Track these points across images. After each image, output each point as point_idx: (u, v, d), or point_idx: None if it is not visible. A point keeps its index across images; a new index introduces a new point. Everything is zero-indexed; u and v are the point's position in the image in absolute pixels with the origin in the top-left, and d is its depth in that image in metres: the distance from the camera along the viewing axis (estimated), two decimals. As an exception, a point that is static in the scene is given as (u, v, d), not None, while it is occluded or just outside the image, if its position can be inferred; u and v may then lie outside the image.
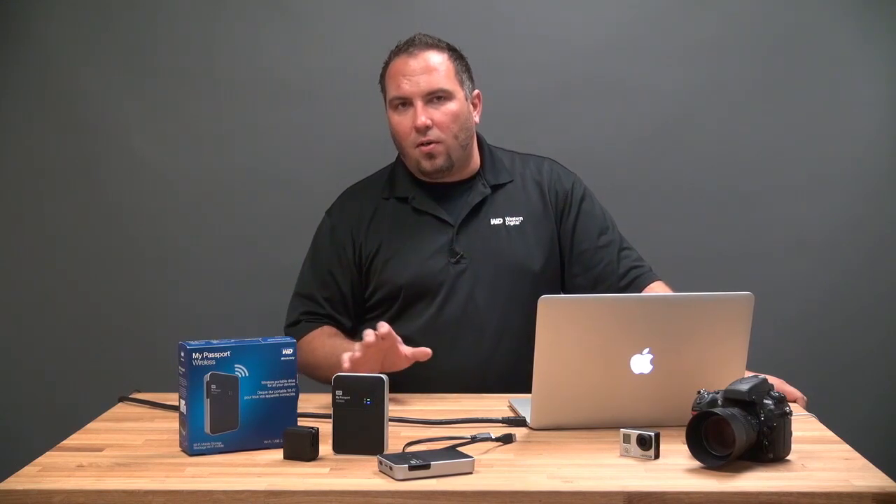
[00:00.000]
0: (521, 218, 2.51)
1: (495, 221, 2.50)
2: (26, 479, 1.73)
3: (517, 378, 2.36)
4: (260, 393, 1.89)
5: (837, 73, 3.07)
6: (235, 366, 1.87)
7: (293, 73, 3.06)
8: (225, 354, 1.86)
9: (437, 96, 2.44)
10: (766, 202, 3.09)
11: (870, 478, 1.73)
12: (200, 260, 3.09)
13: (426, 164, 2.46)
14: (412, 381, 2.30)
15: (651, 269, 2.55)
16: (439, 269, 2.46)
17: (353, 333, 2.53)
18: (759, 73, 3.07)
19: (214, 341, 1.88)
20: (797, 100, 3.07)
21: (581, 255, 2.53)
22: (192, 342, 1.87)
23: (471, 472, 1.74)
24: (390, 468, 1.71)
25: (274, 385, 1.90)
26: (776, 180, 3.08)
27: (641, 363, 1.99)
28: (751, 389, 1.80)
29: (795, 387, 2.22)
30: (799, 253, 3.09)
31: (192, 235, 3.09)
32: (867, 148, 3.07)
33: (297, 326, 2.52)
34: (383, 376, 1.87)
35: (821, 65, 3.07)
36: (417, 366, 2.24)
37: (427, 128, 2.43)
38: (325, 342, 2.46)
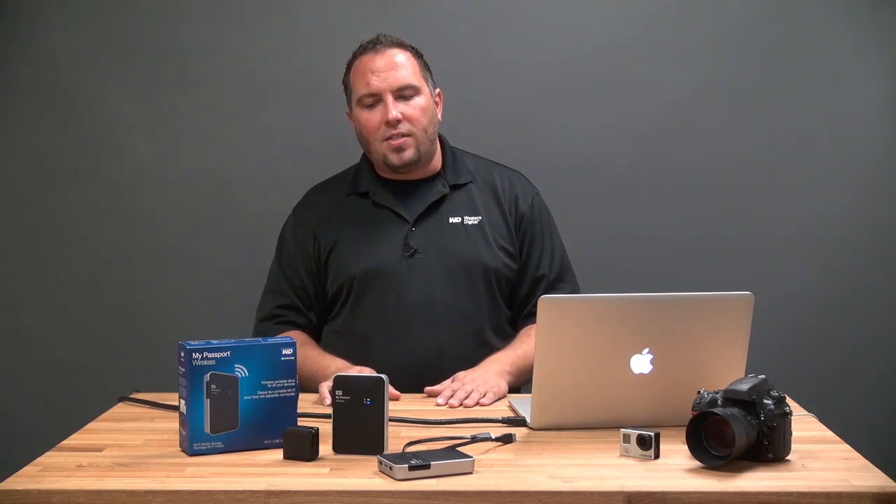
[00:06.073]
0: (480, 217, 2.54)
1: (454, 220, 2.53)
2: (26, 479, 1.74)
3: (474, 365, 2.38)
4: (260, 393, 1.89)
5: (837, 73, 3.06)
6: (235, 366, 1.87)
7: (294, 73, 3.05)
8: (225, 354, 1.86)
9: (405, 92, 2.48)
10: (765, 202, 3.08)
11: (870, 478, 1.73)
12: (200, 260, 3.09)
13: (394, 159, 2.49)
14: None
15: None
16: (392, 262, 2.49)
17: (320, 330, 2.58)
18: (758, 73, 3.06)
19: (214, 341, 1.88)
20: (797, 100, 3.06)
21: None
22: (192, 342, 1.87)
23: (471, 472, 1.74)
24: (390, 468, 1.71)
25: (274, 385, 1.90)
26: (776, 180, 3.08)
27: (641, 363, 1.99)
28: (751, 389, 1.80)
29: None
30: (799, 253, 3.09)
31: (193, 235, 3.09)
32: (867, 148, 3.07)
33: (270, 323, 2.55)
34: (383, 376, 1.87)
35: (821, 65, 3.06)
36: (374, 357, 2.30)
37: (398, 121, 2.46)
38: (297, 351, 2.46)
